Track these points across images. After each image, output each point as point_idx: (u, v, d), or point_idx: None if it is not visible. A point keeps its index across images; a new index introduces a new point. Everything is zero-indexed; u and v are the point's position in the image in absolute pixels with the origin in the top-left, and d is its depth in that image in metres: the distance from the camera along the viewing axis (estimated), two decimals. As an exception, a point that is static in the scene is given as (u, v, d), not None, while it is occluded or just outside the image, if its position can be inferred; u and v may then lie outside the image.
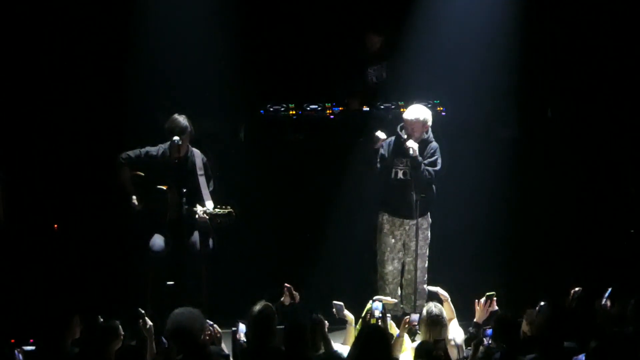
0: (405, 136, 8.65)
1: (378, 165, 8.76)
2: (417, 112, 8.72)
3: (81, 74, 9.63)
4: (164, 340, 6.70)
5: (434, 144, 8.82)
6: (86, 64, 9.64)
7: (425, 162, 8.70)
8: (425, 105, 9.04)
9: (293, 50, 10.21)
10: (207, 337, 6.75)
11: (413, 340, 7.46)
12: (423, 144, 8.74)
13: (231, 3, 9.71)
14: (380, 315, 7.38)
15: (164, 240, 8.41)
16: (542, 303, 7.28)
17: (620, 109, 9.99)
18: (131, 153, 8.52)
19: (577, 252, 9.94)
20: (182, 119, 8.41)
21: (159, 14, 9.57)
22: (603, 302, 7.36)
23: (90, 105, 9.67)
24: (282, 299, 7.61)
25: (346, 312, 7.71)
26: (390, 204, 8.84)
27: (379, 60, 10.18)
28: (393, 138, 8.82)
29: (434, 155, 8.78)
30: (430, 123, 8.71)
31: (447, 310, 7.54)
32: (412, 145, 8.59)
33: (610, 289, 7.40)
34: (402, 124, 8.73)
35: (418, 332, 7.38)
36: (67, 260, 9.47)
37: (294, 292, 7.65)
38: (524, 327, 7.17)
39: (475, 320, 7.36)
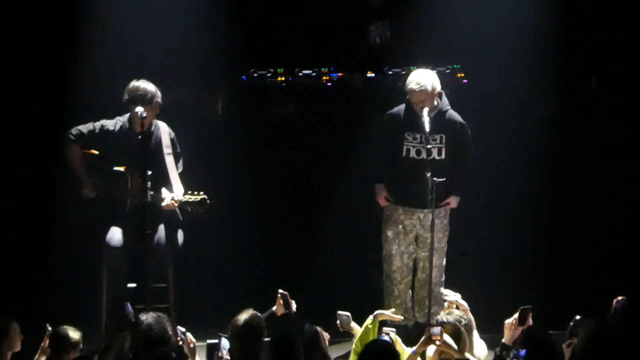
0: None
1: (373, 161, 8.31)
2: (422, 78, 8.02)
3: (22, 31, 9.12)
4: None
5: (455, 115, 8.13)
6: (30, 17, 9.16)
7: (466, 154, 8.19)
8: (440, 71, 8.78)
9: (282, 3, 9.75)
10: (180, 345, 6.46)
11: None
12: (440, 116, 8.05)
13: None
14: None
15: (123, 234, 7.85)
16: (577, 317, 6.81)
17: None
18: (82, 128, 7.93)
19: (626, 254, 9.47)
20: (145, 85, 7.88)
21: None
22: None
23: (32, 73, 9.17)
24: (273, 308, 7.15)
25: (353, 324, 7.32)
26: (400, 188, 8.17)
27: (382, 16, 9.83)
28: (402, 107, 8.14)
29: (465, 135, 8.18)
30: (439, 88, 8.06)
31: None
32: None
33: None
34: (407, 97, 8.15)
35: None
36: (9, 258, 9.07)
37: (290, 300, 7.18)
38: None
39: (503, 341, 6.81)
